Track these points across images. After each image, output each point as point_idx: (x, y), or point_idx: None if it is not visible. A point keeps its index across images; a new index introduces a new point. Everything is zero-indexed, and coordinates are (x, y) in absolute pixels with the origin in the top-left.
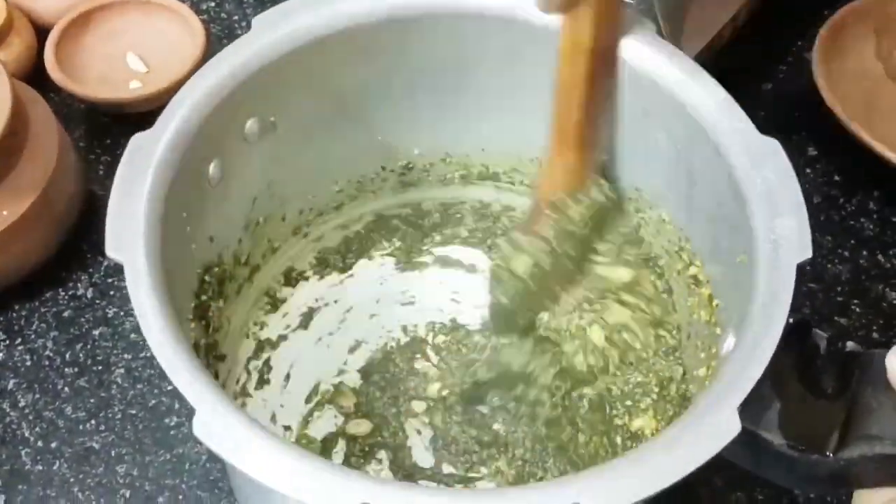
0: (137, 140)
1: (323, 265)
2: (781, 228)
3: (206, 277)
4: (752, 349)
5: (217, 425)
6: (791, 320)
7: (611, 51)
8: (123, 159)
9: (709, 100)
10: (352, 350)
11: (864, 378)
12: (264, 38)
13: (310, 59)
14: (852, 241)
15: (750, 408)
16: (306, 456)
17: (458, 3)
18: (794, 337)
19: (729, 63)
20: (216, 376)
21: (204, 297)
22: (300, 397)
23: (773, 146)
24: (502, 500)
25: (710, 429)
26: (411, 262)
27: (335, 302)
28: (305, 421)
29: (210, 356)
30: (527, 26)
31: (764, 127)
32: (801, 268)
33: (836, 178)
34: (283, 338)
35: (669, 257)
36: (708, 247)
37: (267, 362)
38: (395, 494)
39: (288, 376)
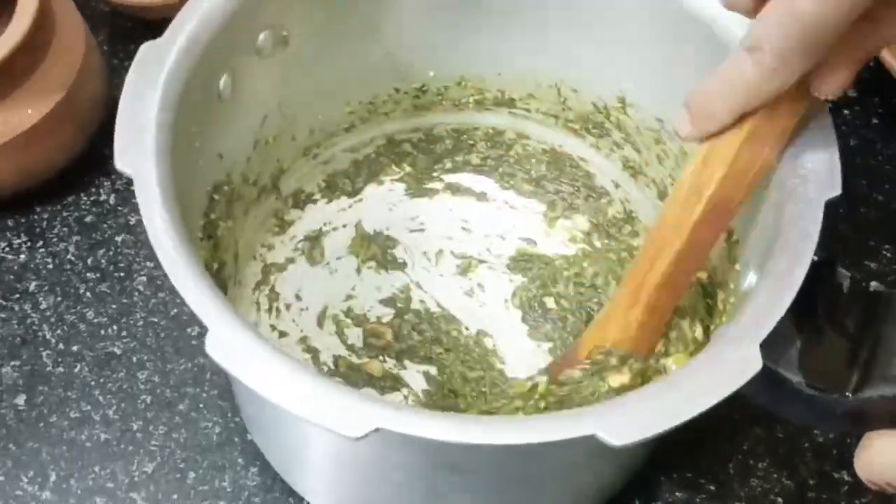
0: (147, 49)
1: (332, 188)
2: (811, 162)
3: (215, 195)
4: (776, 285)
5: (230, 344)
6: (816, 258)
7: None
8: (132, 68)
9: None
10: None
11: (887, 318)
12: None
13: None
14: (887, 186)
15: (771, 346)
16: (320, 378)
17: None
18: (818, 275)
19: None
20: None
21: (213, 216)
22: (310, 321)
23: None
24: (518, 429)
25: (732, 364)
26: (421, 189)
27: (343, 226)
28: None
29: (219, 276)
30: None
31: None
32: (831, 207)
33: (874, 120)
34: (290, 260)
35: None
36: None
37: (273, 288)
38: (409, 420)
39: (297, 298)
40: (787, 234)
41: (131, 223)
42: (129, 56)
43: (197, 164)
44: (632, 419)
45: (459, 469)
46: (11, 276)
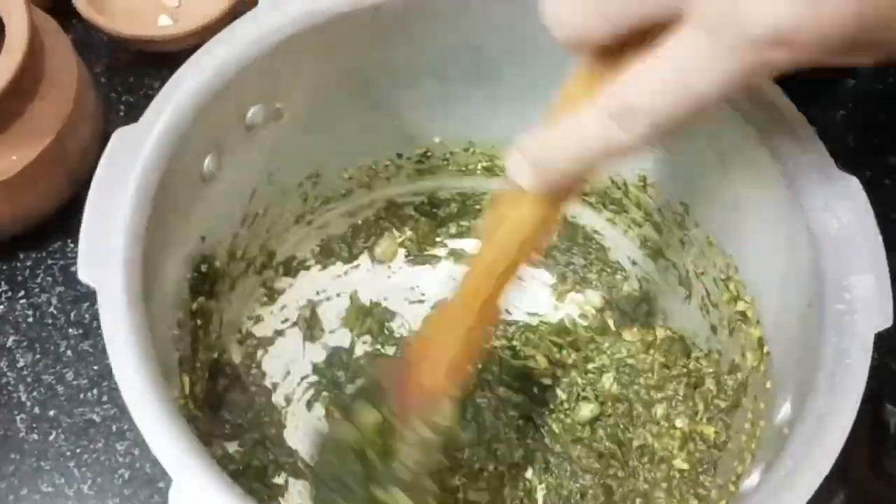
0: (121, 135)
1: (327, 254)
2: (857, 288)
3: (197, 280)
4: (815, 431)
5: (195, 499)
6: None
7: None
8: (103, 160)
9: (777, 117)
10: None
11: None
12: (273, 15)
13: (326, 40)
14: None
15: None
16: None
17: None
18: (863, 413)
19: None
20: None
21: (194, 306)
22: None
23: (852, 185)
24: None
25: None
26: (423, 255)
27: (337, 295)
28: None
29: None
30: None
31: (842, 128)
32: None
33: None
34: (279, 333)
35: (712, 284)
36: (763, 286)
37: (260, 366)
38: None
39: (287, 373)
40: (829, 369)
41: None
42: (128, 89)
43: (176, 252)
44: None
45: None
46: None
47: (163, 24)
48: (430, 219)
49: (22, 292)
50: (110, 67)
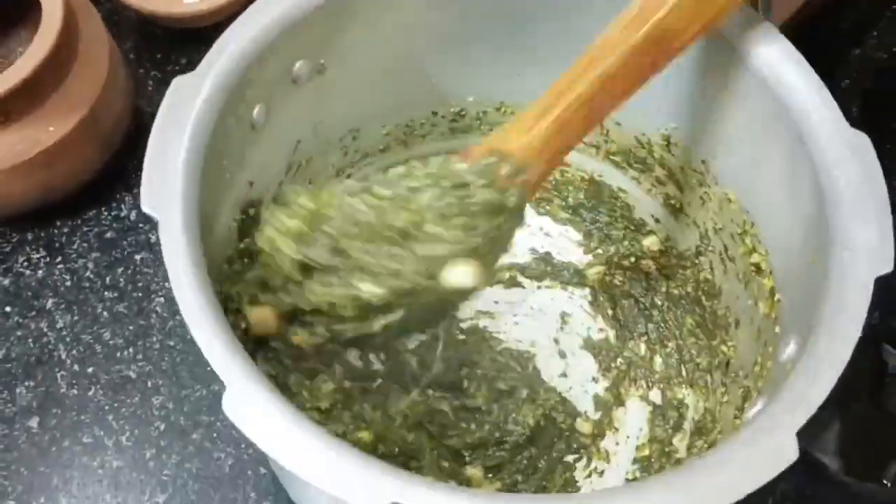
0: (179, 84)
1: None
2: (862, 236)
3: (245, 222)
4: (816, 366)
5: (248, 405)
6: (861, 335)
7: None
8: (163, 104)
9: (799, 83)
10: None
11: None
12: None
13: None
14: None
15: (808, 428)
16: (338, 446)
17: None
18: (862, 352)
19: (816, 26)
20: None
21: (242, 245)
22: None
23: (862, 141)
24: None
25: (766, 452)
26: None
27: None
28: None
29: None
30: None
31: (847, 96)
32: (881, 280)
33: None
34: None
35: (730, 239)
36: (777, 237)
37: None
38: (423, 493)
39: None
40: (832, 310)
41: (151, 241)
42: (157, 65)
43: (227, 194)
44: None
45: None
46: (29, 293)
47: (189, 1)
48: None
49: (59, 258)
50: (139, 44)
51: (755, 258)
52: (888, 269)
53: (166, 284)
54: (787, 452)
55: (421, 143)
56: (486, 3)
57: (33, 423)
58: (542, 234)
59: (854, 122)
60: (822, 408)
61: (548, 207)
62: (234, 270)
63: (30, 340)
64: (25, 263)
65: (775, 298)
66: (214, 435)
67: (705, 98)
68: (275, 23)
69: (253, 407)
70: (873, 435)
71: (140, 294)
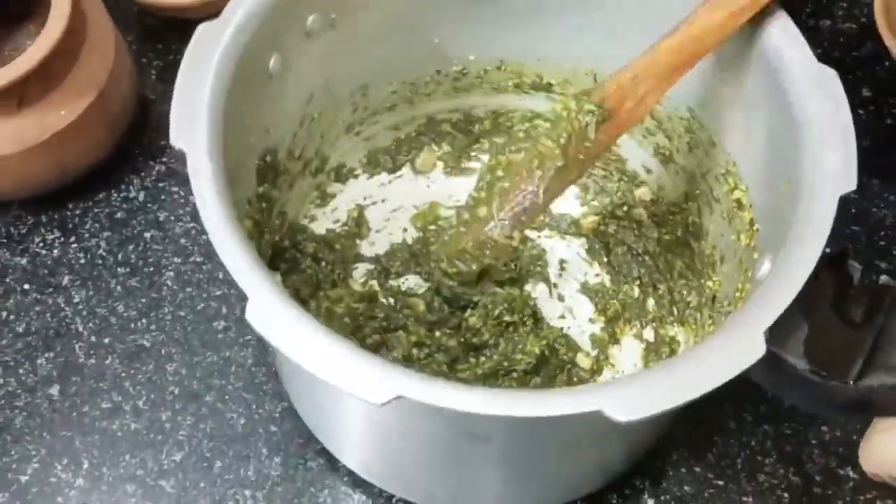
0: (204, 29)
1: (373, 164)
2: (829, 158)
3: (263, 168)
4: (786, 274)
5: (268, 313)
6: (828, 250)
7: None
8: (189, 47)
9: (770, 24)
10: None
11: (892, 311)
12: None
13: None
14: None
15: (779, 332)
16: (350, 348)
17: None
18: (831, 266)
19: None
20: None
21: (260, 189)
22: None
23: (829, 75)
24: (530, 402)
25: (737, 349)
26: (459, 168)
27: (383, 201)
28: None
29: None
30: None
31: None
32: (845, 207)
33: (888, 121)
34: (331, 231)
35: (714, 180)
36: (754, 172)
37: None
38: (427, 389)
39: None
40: (800, 226)
41: (160, 219)
42: (158, 55)
43: (246, 138)
44: (637, 397)
45: (474, 436)
46: (45, 271)
47: None
48: (466, 135)
49: (73, 238)
50: (139, 35)
51: (737, 194)
52: (852, 187)
53: (175, 259)
54: (756, 348)
55: (426, 101)
56: None
57: (54, 391)
58: None
59: None
60: (791, 315)
61: None
62: (253, 211)
63: (48, 315)
64: (41, 244)
65: (755, 228)
66: (226, 397)
67: None
68: None
69: (272, 314)
70: (837, 340)
71: (151, 269)
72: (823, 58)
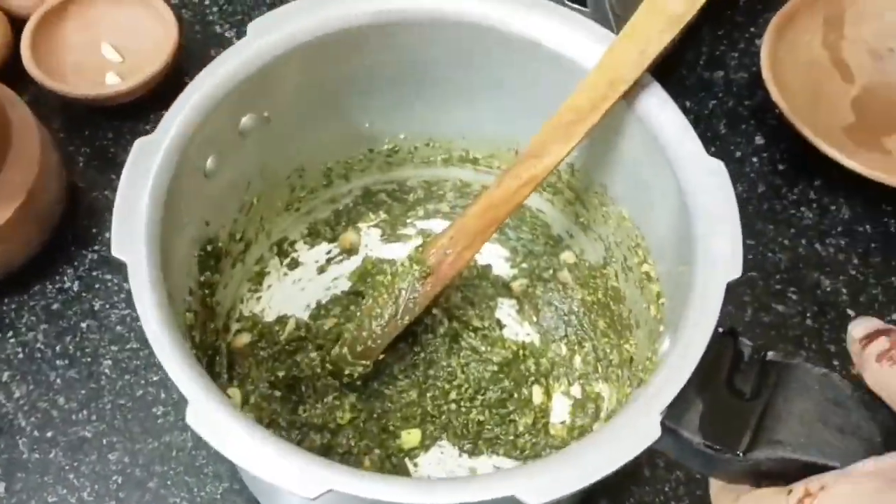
0: (140, 145)
1: (314, 235)
2: (718, 248)
3: (203, 258)
4: (680, 356)
5: (207, 416)
6: (721, 330)
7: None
8: (128, 163)
9: (669, 122)
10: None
11: (778, 385)
12: (260, 41)
13: (303, 59)
14: (792, 230)
15: (675, 409)
16: (284, 446)
17: (435, 9)
18: (723, 344)
19: (681, 51)
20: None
21: (202, 278)
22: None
23: (718, 168)
24: (450, 491)
25: (636, 432)
26: (395, 234)
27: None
28: None
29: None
30: (499, 33)
31: (713, 114)
32: (744, 256)
33: (781, 167)
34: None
35: (627, 251)
36: (659, 249)
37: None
38: (355, 482)
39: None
40: (693, 312)
41: (95, 308)
42: (86, 141)
43: (187, 235)
44: (546, 481)
45: None
46: None
47: (111, 83)
48: (401, 203)
49: (10, 332)
50: (66, 123)
51: (645, 267)
52: (737, 275)
53: (112, 347)
54: (652, 431)
55: (361, 175)
56: (400, 58)
57: (0, 488)
58: None
59: (720, 138)
60: (686, 392)
61: None
62: (195, 300)
63: None
64: None
65: (660, 301)
66: (168, 482)
67: (600, 134)
68: (223, 84)
69: (211, 418)
70: (729, 414)
71: (89, 359)
72: (718, 108)
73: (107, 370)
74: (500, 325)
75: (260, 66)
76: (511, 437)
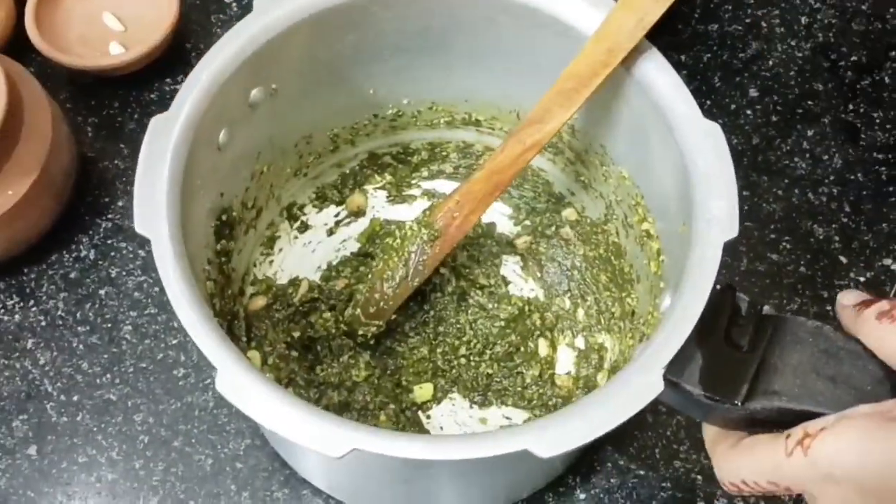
0: (156, 122)
1: (321, 199)
2: (715, 208)
3: (219, 227)
4: (679, 316)
5: (235, 383)
6: (719, 286)
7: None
8: (145, 142)
9: (666, 86)
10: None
11: (774, 338)
12: (266, 17)
13: (309, 31)
14: (786, 181)
15: (677, 361)
16: (309, 409)
17: None
18: (721, 299)
19: (676, 4)
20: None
21: (218, 247)
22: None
23: (714, 130)
24: (466, 446)
25: (639, 387)
26: (401, 195)
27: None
28: None
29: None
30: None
31: (708, 67)
32: (740, 207)
33: (774, 118)
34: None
35: (628, 209)
36: (659, 209)
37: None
38: (379, 441)
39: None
40: (692, 271)
41: (112, 276)
42: (93, 111)
43: (203, 207)
44: (556, 435)
45: (421, 466)
46: (10, 336)
47: (115, 53)
48: (406, 165)
49: (32, 301)
50: (73, 93)
51: (645, 225)
52: (734, 234)
53: (132, 313)
54: (654, 387)
55: (366, 140)
56: (403, 25)
57: (32, 451)
58: None
59: (716, 90)
60: (687, 346)
61: None
62: (213, 268)
63: (17, 379)
64: (2, 310)
65: (660, 259)
66: (193, 440)
67: (600, 98)
68: (233, 60)
69: (240, 385)
70: (727, 367)
71: (109, 325)
72: (713, 61)
73: (127, 335)
74: (506, 282)
75: (267, 40)
76: (519, 389)
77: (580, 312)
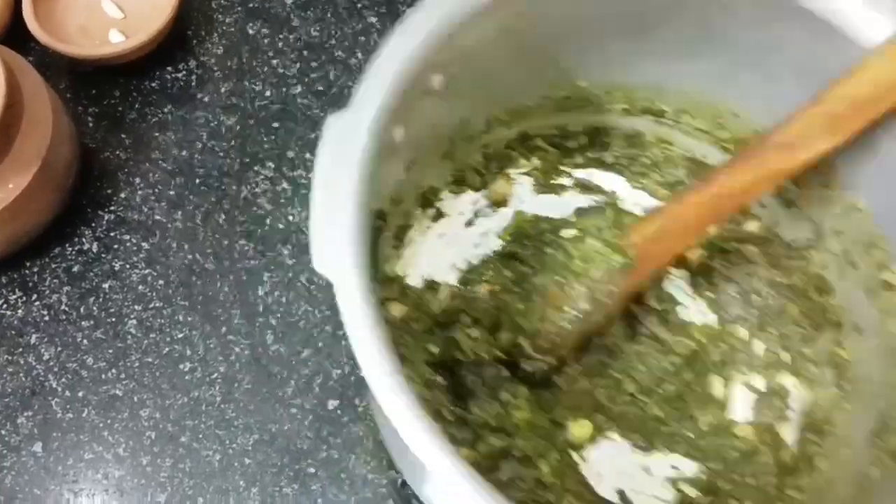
0: (334, 124)
1: (459, 182)
2: None
3: (375, 230)
4: None
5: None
6: None
7: None
8: (321, 151)
9: None
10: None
11: None
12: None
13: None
14: None
15: None
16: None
17: None
18: None
19: None
20: None
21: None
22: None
23: None
24: None
25: None
26: (549, 185)
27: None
28: None
29: None
30: None
31: None
32: None
33: None
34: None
35: (853, 246)
36: None
37: None
38: None
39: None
40: None
41: (115, 269)
42: (94, 101)
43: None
44: None
45: None
46: (13, 331)
47: (115, 41)
48: (559, 149)
49: (35, 296)
50: (72, 83)
51: (886, 275)
52: None
53: (136, 307)
54: None
55: (522, 121)
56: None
57: (37, 448)
58: (639, 209)
59: None
60: None
61: (643, 182)
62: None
63: (21, 375)
64: (4, 305)
65: None
66: (200, 436)
67: None
68: (415, 50)
69: (453, 485)
70: None
71: (113, 319)
72: None
73: (132, 329)
74: (675, 302)
75: (452, 24)
76: (691, 436)
77: (757, 345)
